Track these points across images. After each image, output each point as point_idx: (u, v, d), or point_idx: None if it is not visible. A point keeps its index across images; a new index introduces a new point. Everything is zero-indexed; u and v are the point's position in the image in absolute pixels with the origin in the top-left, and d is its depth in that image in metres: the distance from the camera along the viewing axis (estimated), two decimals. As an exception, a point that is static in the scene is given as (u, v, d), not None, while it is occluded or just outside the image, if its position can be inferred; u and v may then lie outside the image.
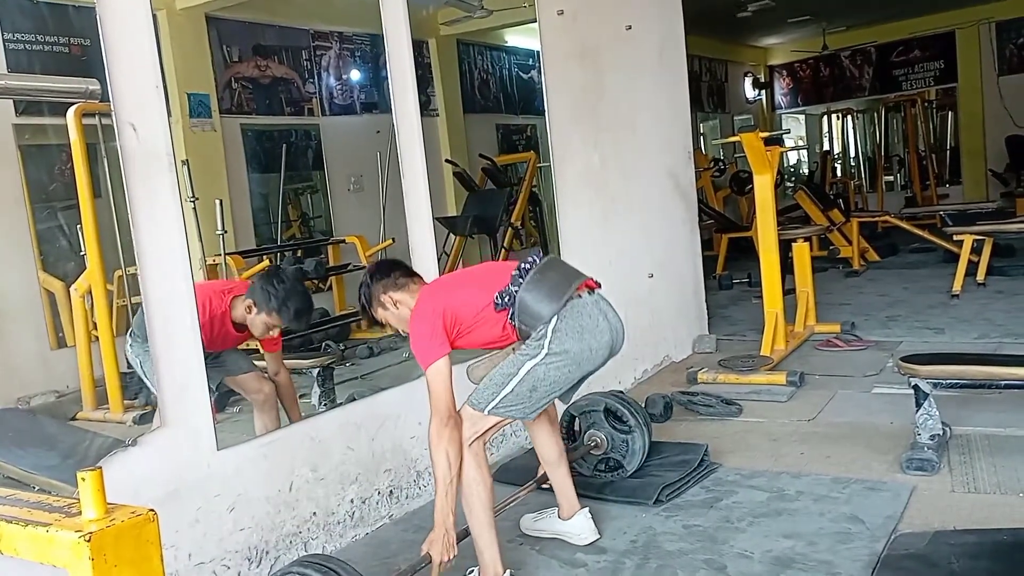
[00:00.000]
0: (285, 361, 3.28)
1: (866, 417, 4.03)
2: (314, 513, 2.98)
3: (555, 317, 2.51)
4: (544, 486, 3.06)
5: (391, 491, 3.30)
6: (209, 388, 2.64)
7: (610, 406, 3.36)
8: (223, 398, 3.13)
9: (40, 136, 3.09)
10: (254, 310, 2.99)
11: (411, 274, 2.74)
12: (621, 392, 3.59)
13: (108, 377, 2.72)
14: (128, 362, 2.74)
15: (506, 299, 2.53)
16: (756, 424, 4.12)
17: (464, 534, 2.58)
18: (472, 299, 2.56)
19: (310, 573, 2.04)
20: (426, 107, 4.05)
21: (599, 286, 2.69)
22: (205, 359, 2.64)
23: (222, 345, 3.00)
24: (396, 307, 2.67)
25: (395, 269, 2.73)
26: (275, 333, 3.04)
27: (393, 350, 4.34)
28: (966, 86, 12.47)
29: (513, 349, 2.63)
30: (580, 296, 2.59)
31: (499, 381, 2.55)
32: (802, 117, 14.95)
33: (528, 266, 2.58)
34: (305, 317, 3.13)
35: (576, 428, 3.45)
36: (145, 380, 2.60)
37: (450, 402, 2.47)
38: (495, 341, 2.64)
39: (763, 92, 14.13)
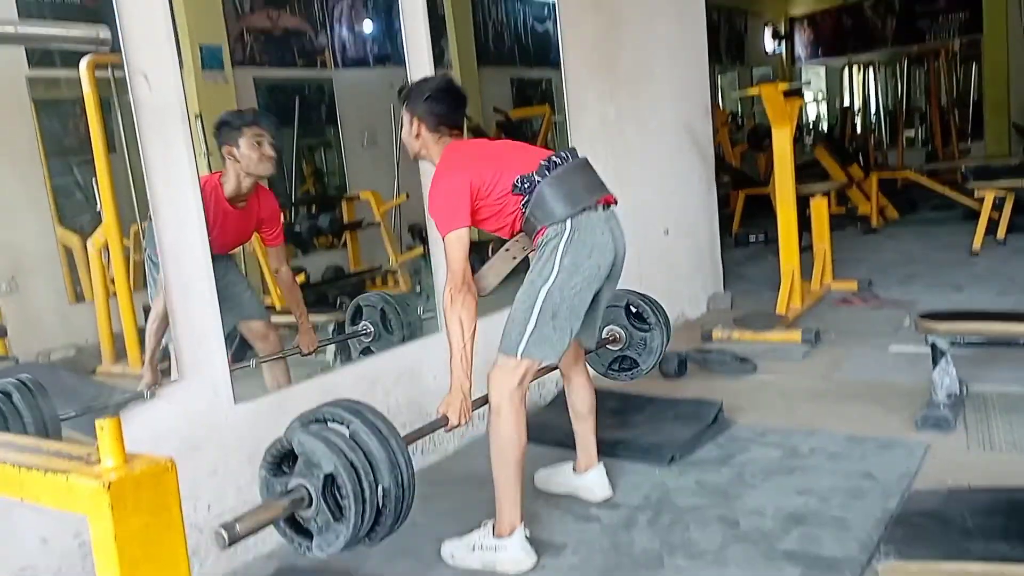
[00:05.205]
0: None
1: (882, 376, 4.02)
2: (330, 466, 3.01)
3: (566, 227, 2.48)
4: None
5: (406, 445, 3.33)
6: (225, 340, 2.66)
7: (632, 302, 3.25)
8: (240, 350, 3.14)
9: (54, 90, 3.07)
10: (234, 149, 2.96)
11: (452, 124, 2.65)
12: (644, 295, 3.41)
13: (126, 331, 2.73)
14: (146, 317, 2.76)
15: (526, 185, 2.50)
16: (771, 381, 4.11)
17: (483, 402, 2.56)
18: (500, 183, 2.52)
19: (340, 412, 1.96)
20: (440, 59, 3.98)
21: (615, 202, 2.66)
22: (219, 293, 2.64)
23: (225, 233, 2.95)
24: (416, 137, 2.64)
25: (444, 107, 2.62)
26: (269, 151, 2.98)
27: (407, 306, 4.34)
28: (991, 35, 12.15)
29: (515, 249, 2.64)
30: (596, 209, 2.55)
31: (522, 317, 2.53)
32: (823, 70, 14.68)
33: (559, 160, 2.55)
34: (265, 114, 3.18)
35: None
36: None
37: (467, 268, 2.46)
38: (500, 228, 2.63)
39: (783, 43, 13.85)
